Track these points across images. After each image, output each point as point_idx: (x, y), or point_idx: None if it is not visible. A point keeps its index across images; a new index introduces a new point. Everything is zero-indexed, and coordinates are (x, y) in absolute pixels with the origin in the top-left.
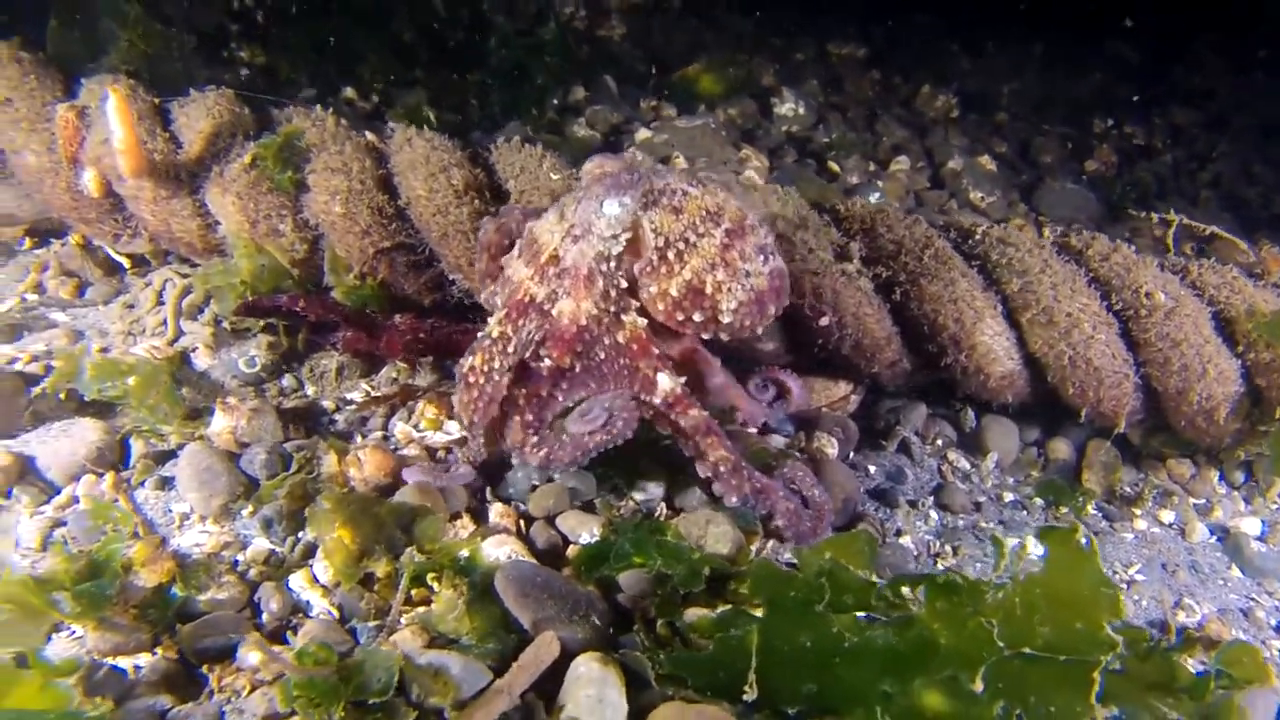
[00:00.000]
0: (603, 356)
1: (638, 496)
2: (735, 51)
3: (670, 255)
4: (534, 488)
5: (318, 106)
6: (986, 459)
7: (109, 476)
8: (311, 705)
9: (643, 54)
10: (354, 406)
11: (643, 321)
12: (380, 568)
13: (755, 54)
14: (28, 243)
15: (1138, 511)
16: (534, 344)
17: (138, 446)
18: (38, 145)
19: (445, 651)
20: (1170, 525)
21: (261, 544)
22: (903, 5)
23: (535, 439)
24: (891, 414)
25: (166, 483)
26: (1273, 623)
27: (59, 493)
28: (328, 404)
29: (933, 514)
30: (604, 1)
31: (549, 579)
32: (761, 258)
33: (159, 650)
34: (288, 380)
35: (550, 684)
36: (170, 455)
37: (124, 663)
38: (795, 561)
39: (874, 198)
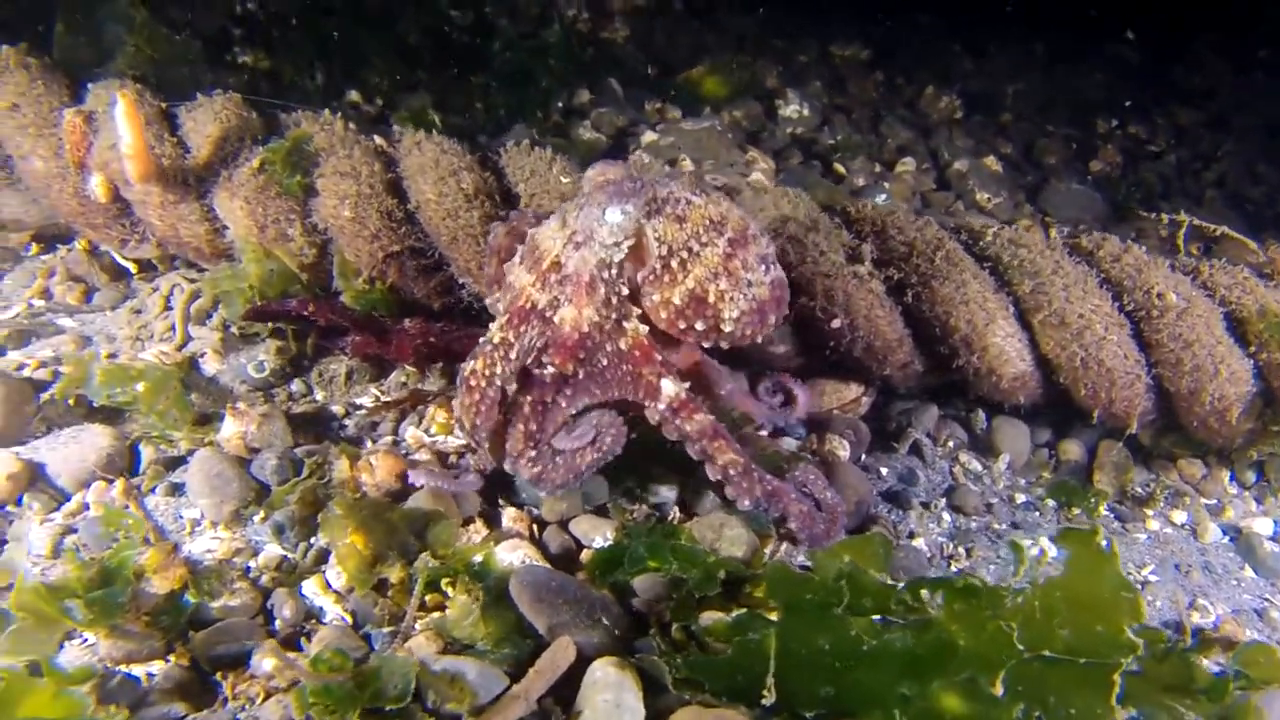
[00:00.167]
0: (605, 363)
1: (650, 500)
2: (738, 53)
3: (674, 264)
4: None
5: (325, 110)
6: (998, 460)
7: (119, 483)
8: (327, 712)
9: (646, 56)
10: (364, 411)
11: (645, 328)
12: (394, 573)
13: (758, 56)
14: (34, 248)
15: (1150, 512)
16: (536, 351)
17: (147, 452)
18: (45, 150)
19: (461, 657)
20: (1183, 526)
21: (274, 550)
22: (903, 5)
23: (533, 453)
24: (903, 416)
25: (177, 489)
26: None
27: (69, 499)
28: (337, 409)
29: (945, 516)
30: (607, 4)
31: (564, 583)
32: (763, 267)
33: (172, 658)
34: (297, 385)
35: (567, 689)
36: (180, 461)
37: (137, 670)
38: (809, 565)
39: (880, 199)
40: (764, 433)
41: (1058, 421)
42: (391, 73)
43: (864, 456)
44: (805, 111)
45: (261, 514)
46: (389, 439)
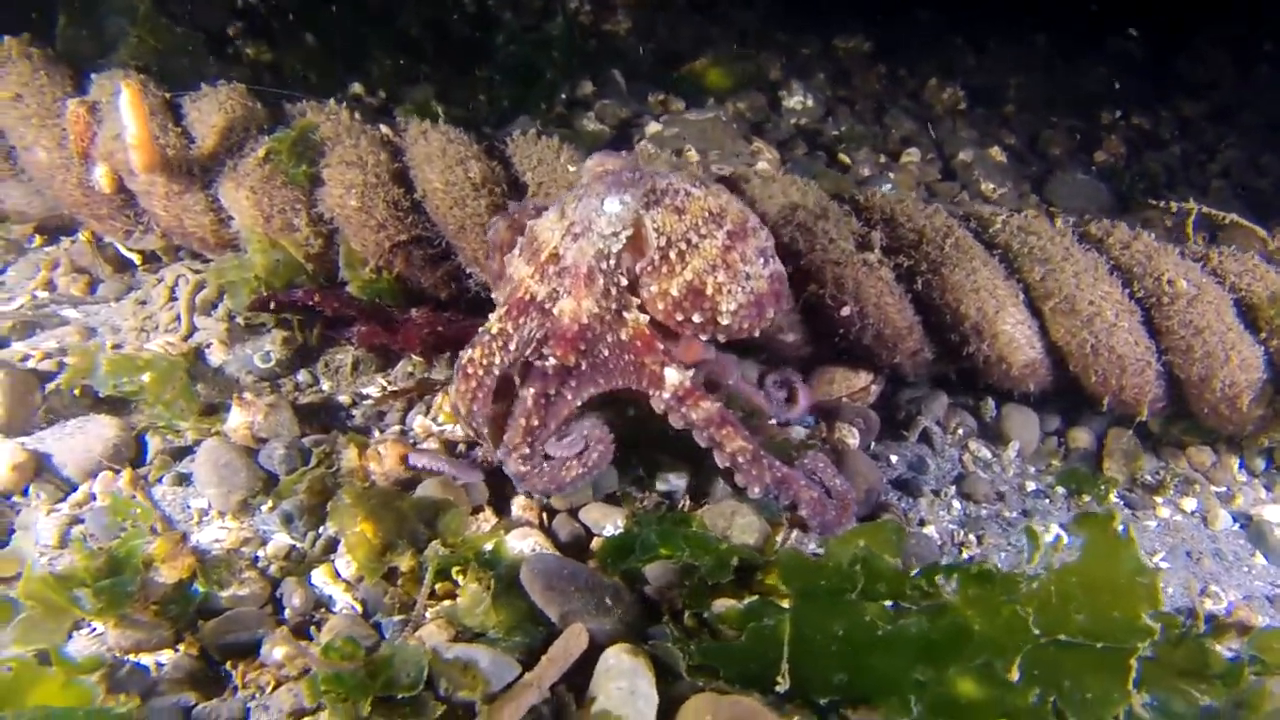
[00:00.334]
0: (607, 354)
1: (660, 488)
2: (740, 46)
3: (672, 255)
4: None
5: (330, 100)
6: (1008, 448)
7: (126, 473)
8: (339, 700)
9: (649, 49)
10: (370, 401)
11: (645, 318)
12: (403, 562)
13: (761, 49)
14: (38, 240)
15: (1160, 500)
16: (536, 342)
17: (154, 443)
18: (48, 141)
19: (473, 645)
20: (1193, 513)
21: (282, 539)
22: (904, 3)
23: (527, 450)
24: (912, 404)
25: (184, 479)
26: None
27: (75, 490)
28: (344, 399)
29: (955, 503)
30: None
31: (575, 571)
32: (762, 260)
33: (181, 647)
34: (303, 376)
35: (579, 677)
36: (187, 451)
37: (146, 660)
38: (820, 552)
39: (886, 189)
40: (772, 422)
41: (1066, 409)
42: (394, 66)
43: (873, 444)
44: (809, 103)
45: (269, 503)
46: (396, 428)
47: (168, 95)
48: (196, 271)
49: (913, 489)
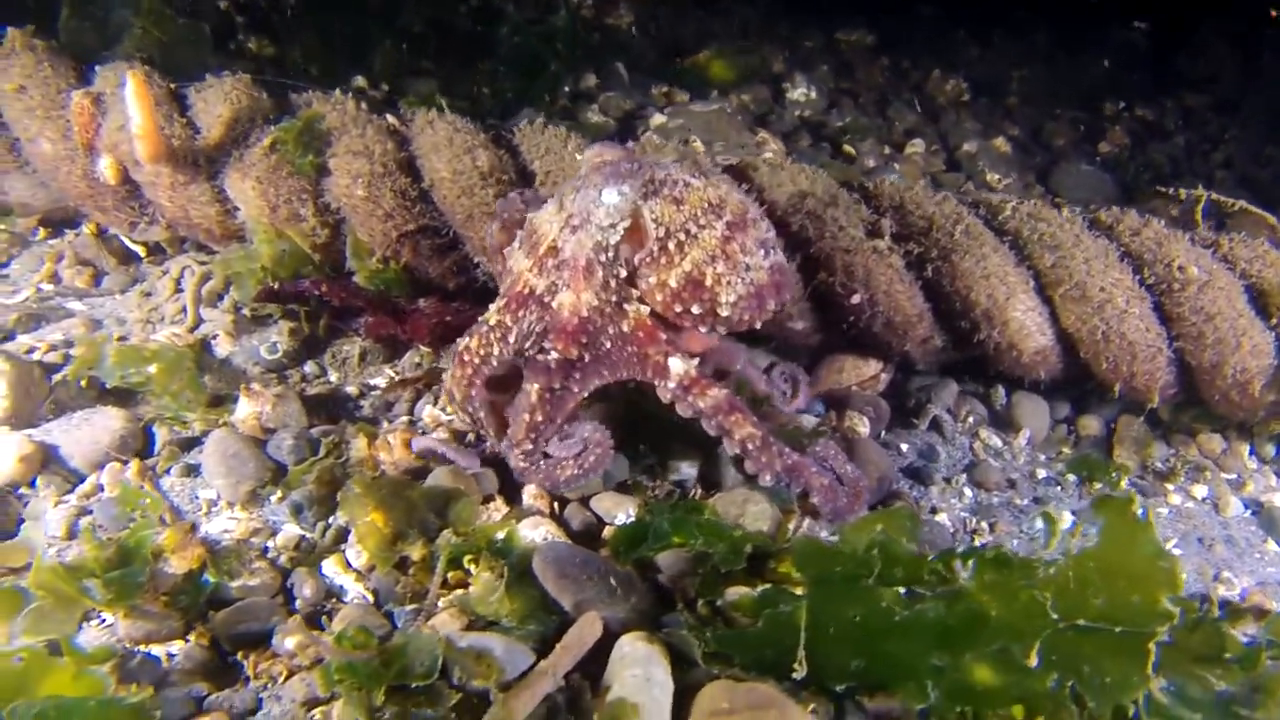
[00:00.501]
0: (609, 346)
1: (672, 477)
2: (743, 39)
3: (670, 246)
4: None
5: (336, 91)
6: (1018, 436)
7: (134, 464)
8: (354, 689)
9: (651, 41)
10: (379, 391)
11: (646, 309)
12: (415, 551)
13: (764, 42)
14: (42, 233)
15: (1171, 487)
16: (536, 336)
17: (162, 434)
18: (53, 133)
19: (487, 633)
20: (1204, 500)
21: (292, 530)
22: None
23: (529, 447)
24: (922, 392)
25: (192, 470)
26: None
27: (83, 481)
28: (351, 390)
29: (967, 491)
30: None
31: (588, 559)
32: (762, 252)
33: (192, 637)
34: (310, 367)
35: (593, 665)
36: (195, 442)
37: (157, 650)
38: (834, 540)
39: (891, 179)
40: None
41: (1076, 397)
42: (398, 60)
43: (884, 433)
44: (812, 95)
45: (279, 494)
46: (405, 419)
47: (172, 86)
48: (202, 263)
49: (924, 477)
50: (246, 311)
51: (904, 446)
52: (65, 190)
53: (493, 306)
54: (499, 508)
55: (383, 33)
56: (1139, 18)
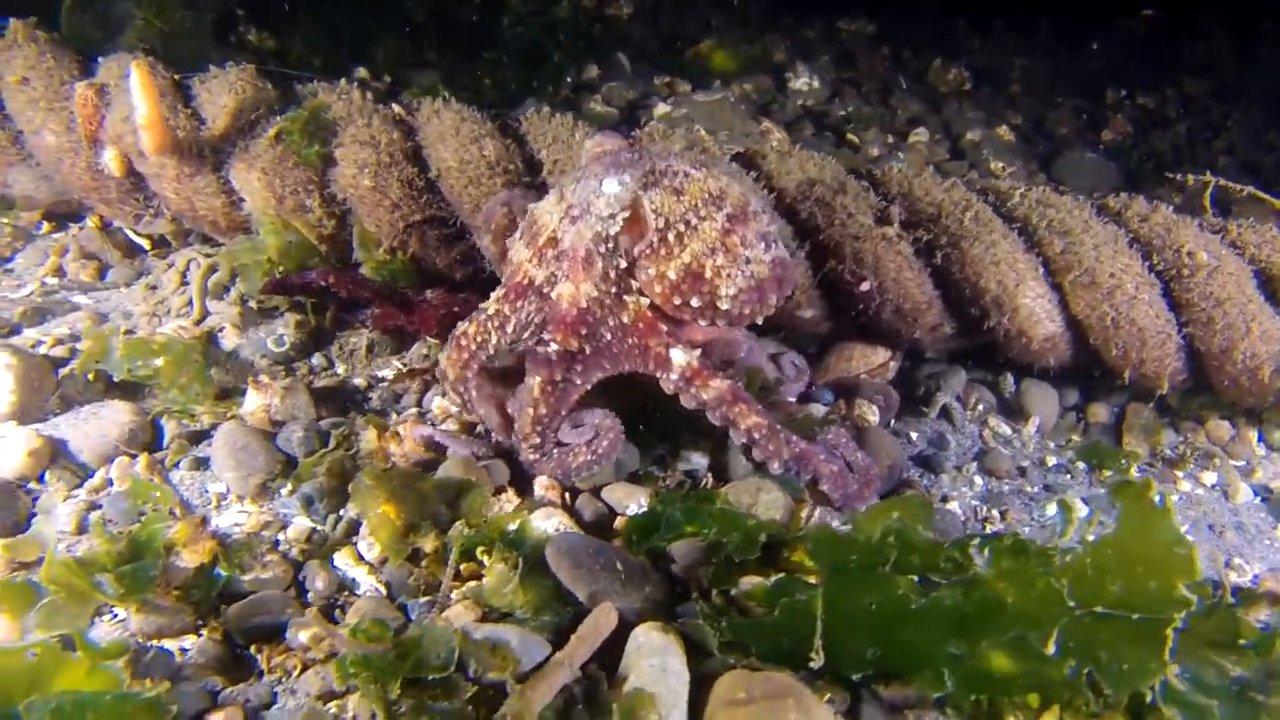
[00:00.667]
0: (610, 338)
1: (682, 467)
2: (744, 29)
3: (670, 237)
4: None
5: (342, 81)
6: (1028, 424)
7: (143, 458)
8: (369, 682)
9: (653, 31)
10: (387, 383)
11: (646, 300)
12: (427, 543)
13: (765, 32)
14: (46, 226)
15: (1180, 474)
16: (535, 326)
17: (170, 427)
18: (56, 125)
19: (502, 625)
20: (1213, 487)
21: (303, 522)
22: None
23: (537, 440)
24: (931, 380)
25: (201, 463)
26: None
27: (92, 475)
28: (359, 382)
29: (977, 479)
30: None
31: (601, 549)
32: (763, 245)
33: (205, 632)
34: (317, 359)
35: (608, 656)
36: (203, 436)
37: (170, 645)
38: (847, 528)
39: (899, 167)
40: (791, 400)
41: (1085, 385)
42: (400, 52)
43: (893, 421)
44: (815, 84)
45: (289, 486)
46: (414, 410)
47: (177, 77)
48: (208, 255)
49: (934, 465)
50: (253, 304)
51: (914, 435)
52: (69, 183)
53: (492, 295)
54: (510, 499)
55: (385, 24)
56: (1138, 5)
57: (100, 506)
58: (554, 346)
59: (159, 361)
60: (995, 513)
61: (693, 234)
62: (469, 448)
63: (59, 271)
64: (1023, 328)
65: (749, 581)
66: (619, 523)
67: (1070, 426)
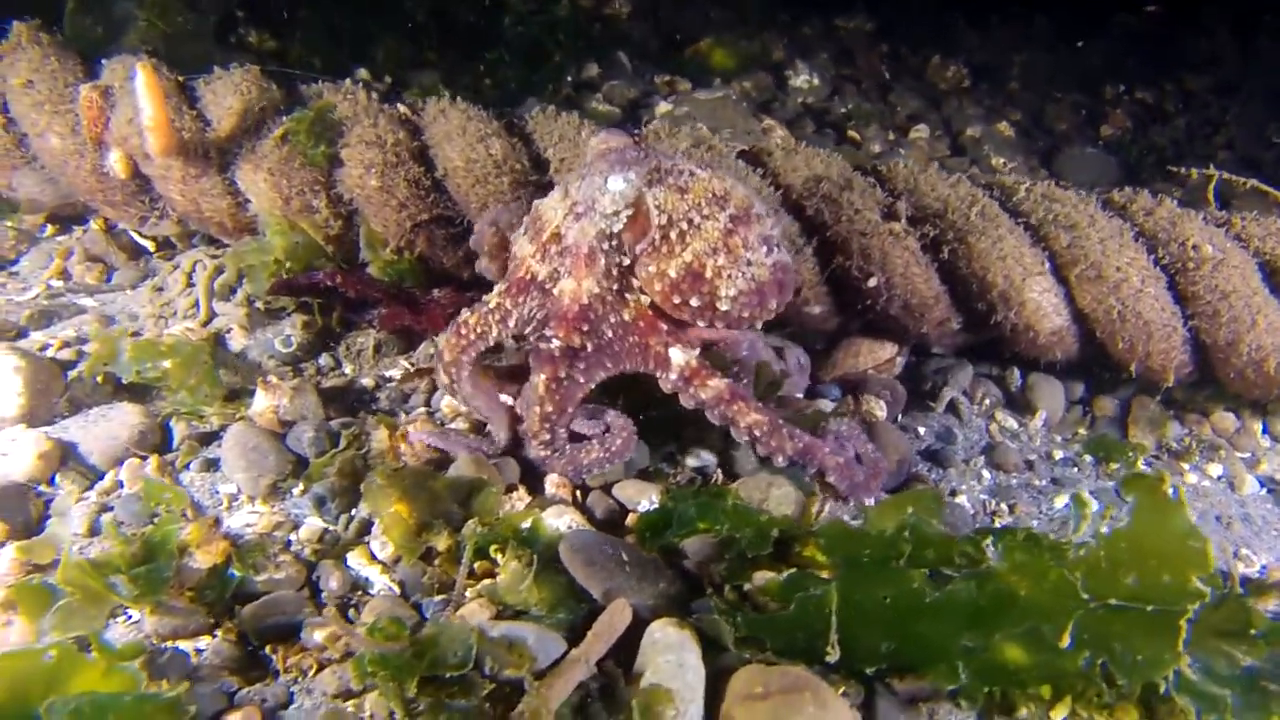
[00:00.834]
0: (611, 335)
1: (692, 464)
2: (743, 26)
3: (672, 235)
4: None
5: (347, 81)
6: (1034, 418)
7: (153, 460)
8: (387, 680)
9: (652, 30)
10: (395, 383)
11: (647, 298)
12: (440, 542)
13: (764, 29)
14: (50, 229)
15: (1186, 466)
16: (537, 322)
17: (180, 429)
18: (61, 127)
19: (518, 622)
20: (1219, 479)
21: (315, 523)
22: None
23: (547, 436)
24: (938, 375)
25: (212, 464)
26: None
27: (102, 478)
28: (367, 382)
29: (985, 473)
30: None
31: (615, 546)
32: (765, 248)
33: (219, 632)
34: (324, 360)
35: (624, 652)
36: (213, 437)
37: (185, 646)
38: (857, 523)
39: (905, 163)
40: (798, 395)
41: (1091, 378)
42: (399, 51)
43: (901, 416)
44: (815, 81)
45: (301, 487)
46: (422, 410)
47: (181, 79)
48: (214, 256)
49: (942, 459)
50: (260, 305)
51: (921, 429)
52: (74, 185)
53: (495, 289)
54: (521, 497)
55: (385, 24)
56: (1149, 0)
57: (111, 509)
58: (556, 342)
59: (167, 363)
60: (1004, 506)
61: (695, 233)
62: (469, 447)
63: (64, 274)
64: (1030, 322)
65: (762, 577)
66: (631, 519)
67: (1077, 420)
